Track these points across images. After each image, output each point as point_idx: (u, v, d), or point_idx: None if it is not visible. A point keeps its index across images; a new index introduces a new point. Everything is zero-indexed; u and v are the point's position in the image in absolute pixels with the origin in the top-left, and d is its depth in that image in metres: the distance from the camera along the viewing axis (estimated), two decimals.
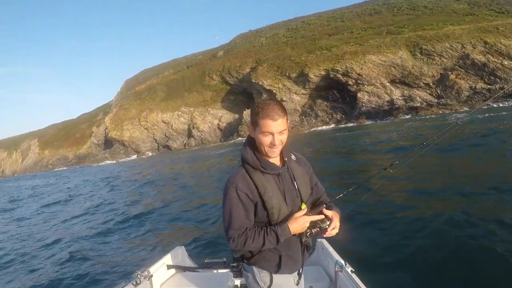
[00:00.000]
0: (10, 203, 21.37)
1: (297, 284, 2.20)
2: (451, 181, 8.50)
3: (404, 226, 5.99)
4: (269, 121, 1.86)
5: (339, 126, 37.88)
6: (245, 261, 2.15)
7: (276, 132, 1.88)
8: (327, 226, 1.97)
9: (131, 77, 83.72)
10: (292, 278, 2.15)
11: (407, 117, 31.78)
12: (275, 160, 2.04)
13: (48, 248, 9.16)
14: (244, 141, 2.11)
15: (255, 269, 2.12)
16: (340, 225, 2.03)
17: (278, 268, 2.08)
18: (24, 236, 11.05)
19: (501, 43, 36.75)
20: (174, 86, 63.87)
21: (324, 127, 39.34)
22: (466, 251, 4.77)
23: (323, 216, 1.99)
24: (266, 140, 1.91)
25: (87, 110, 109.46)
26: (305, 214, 1.97)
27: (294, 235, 1.98)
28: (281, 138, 1.92)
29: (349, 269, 2.80)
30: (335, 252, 3.25)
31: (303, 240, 2.06)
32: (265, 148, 1.94)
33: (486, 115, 22.64)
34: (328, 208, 2.07)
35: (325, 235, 2.00)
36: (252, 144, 2.03)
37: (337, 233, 2.02)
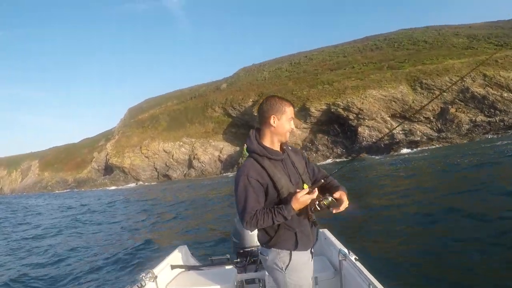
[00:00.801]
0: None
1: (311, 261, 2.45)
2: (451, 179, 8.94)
3: (406, 215, 6.11)
4: (292, 108, 2.33)
5: (338, 160, 37.76)
6: (264, 245, 2.34)
7: (292, 118, 2.33)
8: (330, 201, 2.20)
9: (135, 106, 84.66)
10: (308, 254, 2.36)
11: (408, 151, 31.46)
12: (277, 148, 2.33)
13: (50, 254, 9.42)
14: (249, 135, 2.36)
15: (274, 251, 2.29)
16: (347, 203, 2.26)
17: (296, 245, 2.26)
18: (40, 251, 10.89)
19: (500, 75, 37.07)
20: (176, 116, 64.34)
21: (323, 162, 39.10)
22: (468, 239, 5.10)
23: (316, 194, 2.17)
24: (290, 125, 2.31)
25: (89, 135, 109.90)
26: (308, 193, 2.15)
27: (300, 212, 2.20)
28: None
29: (352, 257, 2.88)
30: (338, 241, 3.34)
31: (308, 215, 2.24)
32: (286, 134, 2.30)
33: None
34: (335, 189, 2.30)
35: (334, 212, 2.23)
36: (257, 136, 2.33)
37: (346, 208, 2.25)
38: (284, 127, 2.26)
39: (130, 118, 74.80)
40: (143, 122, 68.26)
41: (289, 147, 2.45)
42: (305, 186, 2.27)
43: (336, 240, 3.42)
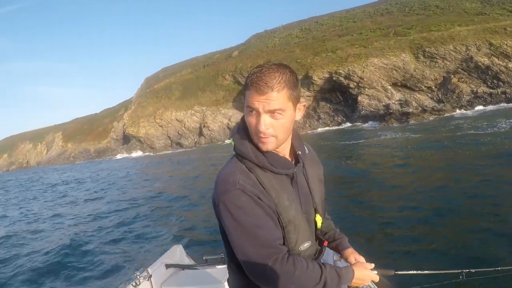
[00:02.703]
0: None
1: None
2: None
3: (403, 215, 6.64)
4: (253, 93, 1.28)
5: (339, 127, 38.63)
6: None
7: (263, 110, 1.28)
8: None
9: (151, 75, 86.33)
10: None
11: (396, 125, 31.66)
12: (284, 153, 1.46)
13: (44, 251, 9.10)
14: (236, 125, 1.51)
15: None
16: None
17: None
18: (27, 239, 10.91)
19: (506, 45, 35.87)
20: (189, 85, 65.67)
21: (323, 129, 40.08)
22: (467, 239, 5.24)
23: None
24: (250, 121, 1.34)
25: (110, 105, 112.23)
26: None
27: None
28: (272, 123, 1.31)
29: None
30: (331, 251, 2.97)
31: None
32: (255, 137, 1.36)
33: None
34: (342, 244, 1.72)
35: None
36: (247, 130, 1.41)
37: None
38: (247, 122, 1.37)
39: (146, 88, 76.71)
40: (157, 92, 70.00)
41: (306, 150, 1.60)
42: (318, 219, 1.60)
43: (330, 251, 3.18)
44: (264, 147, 1.35)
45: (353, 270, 1.47)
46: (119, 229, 10.20)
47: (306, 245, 1.46)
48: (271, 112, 1.27)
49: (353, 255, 1.63)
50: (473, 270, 1.87)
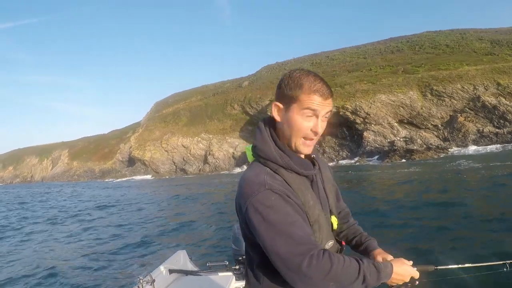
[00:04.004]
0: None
1: None
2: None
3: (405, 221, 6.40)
4: (317, 98, 1.32)
5: (340, 164, 38.22)
6: None
7: (322, 114, 1.37)
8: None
9: (161, 100, 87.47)
10: None
11: (403, 161, 31.35)
12: (304, 156, 1.51)
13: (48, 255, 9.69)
14: (260, 129, 1.48)
15: None
16: None
17: None
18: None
19: None
20: (197, 112, 66.28)
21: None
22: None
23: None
24: (306, 125, 1.35)
25: (119, 127, 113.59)
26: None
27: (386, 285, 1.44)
28: (324, 126, 1.40)
29: None
30: None
31: None
32: (299, 140, 1.39)
33: None
34: (371, 245, 1.68)
35: None
36: (272, 132, 1.45)
37: None
38: (295, 126, 1.38)
39: (155, 112, 77.59)
40: (165, 116, 70.71)
41: (319, 155, 1.67)
42: (334, 220, 1.58)
43: None
44: (308, 150, 1.44)
45: (392, 265, 1.39)
46: (125, 235, 10.51)
47: (330, 243, 1.51)
48: (324, 116, 1.38)
49: (381, 255, 1.58)
50: None
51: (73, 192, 36.59)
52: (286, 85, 1.37)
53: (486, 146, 32.60)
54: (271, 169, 1.38)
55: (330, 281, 1.21)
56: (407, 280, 1.43)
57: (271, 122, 1.48)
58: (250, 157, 1.50)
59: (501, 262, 1.78)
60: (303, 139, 1.39)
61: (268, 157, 1.39)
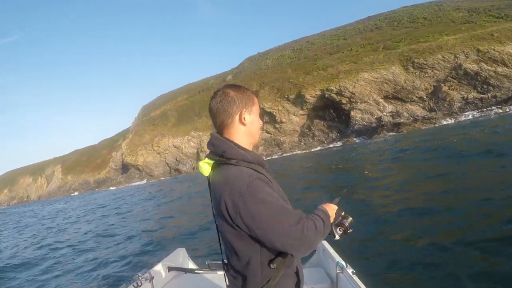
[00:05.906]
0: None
1: None
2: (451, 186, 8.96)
3: (405, 228, 6.31)
4: (258, 105, 1.65)
5: (330, 146, 38.38)
6: None
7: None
8: (351, 221, 1.72)
9: (148, 103, 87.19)
10: None
11: (391, 134, 31.55)
12: None
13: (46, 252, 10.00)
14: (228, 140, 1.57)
15: None
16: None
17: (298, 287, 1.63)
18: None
19: (494, 50, 36.24)
20: (184, 111, 66.11)
21: (317, 148, 39.80)
22: (467, 251, 4.84)
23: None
24: (259, 125, 1.64)
25: (108, 136, 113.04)
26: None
27: None
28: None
29: (350, 270, 2.70)
30: (336, 254, 3.19)
31: (335, 237, 1.70)
32: (256, 138, 1.64)
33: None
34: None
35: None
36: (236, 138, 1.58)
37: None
38: (256, 125, 1.62)
39: (143, 116, 77.30)
40: (154, 119, 70.49)
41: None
42: None
43: (335, 252, 3.21)
44: (260, 144, 1.58)
45: (322, 206, 1.67)
46: (123, 233, 10.58)
47: None
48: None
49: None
50: None
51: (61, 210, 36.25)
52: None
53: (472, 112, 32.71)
54: (246, 166, 1.47)
55: (319, 234, 1.49)
56: (334, 211, 1.71)
57: (218, 135, 1.61)
58: (206, 172, 1.56)
59: None
60: (259, 136, 1.68)
61: (242, 157, 1.50)
